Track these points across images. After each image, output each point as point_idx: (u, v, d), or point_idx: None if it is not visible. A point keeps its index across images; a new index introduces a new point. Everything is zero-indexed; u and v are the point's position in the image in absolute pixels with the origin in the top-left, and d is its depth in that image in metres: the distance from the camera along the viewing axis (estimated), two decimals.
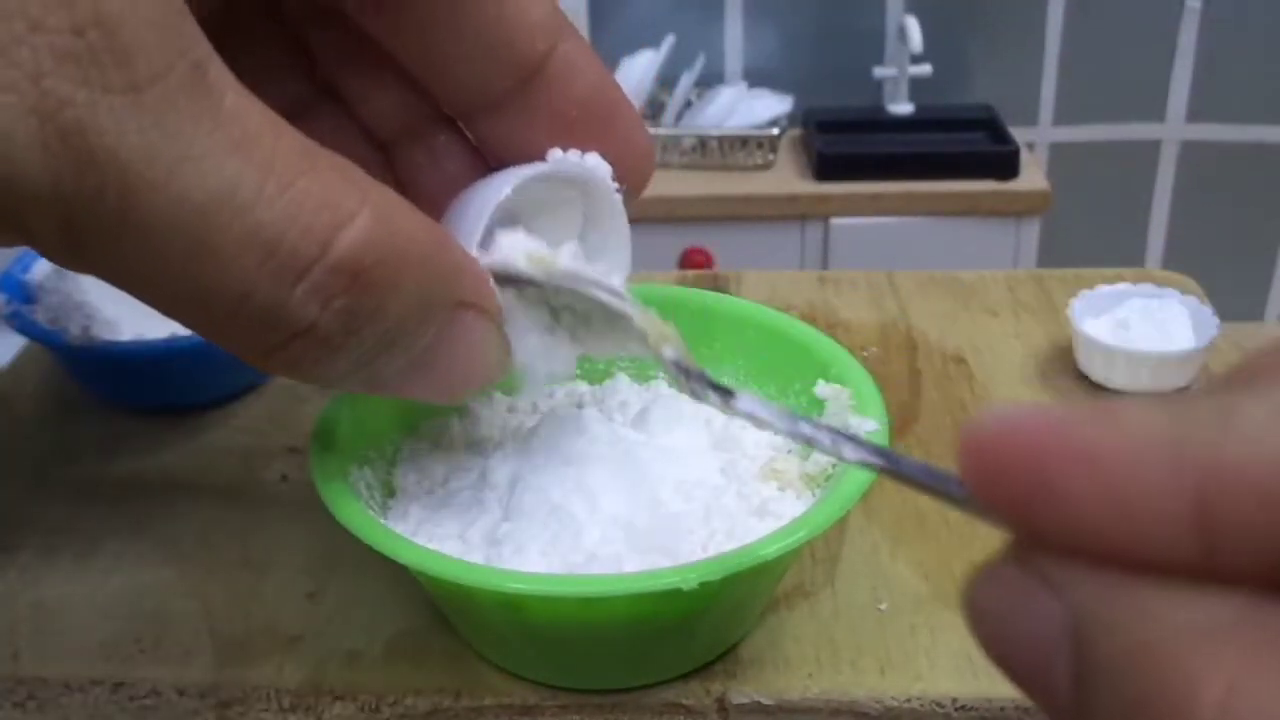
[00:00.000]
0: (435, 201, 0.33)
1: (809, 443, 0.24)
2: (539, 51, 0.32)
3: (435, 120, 0.35)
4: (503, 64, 0.32)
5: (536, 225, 0.34)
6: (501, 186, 0.32)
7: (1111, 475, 0.16)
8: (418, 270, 0.28)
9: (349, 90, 0.34)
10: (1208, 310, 0.50)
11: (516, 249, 0.32)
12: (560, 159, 0.33)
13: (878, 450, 0.22)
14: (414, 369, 0.30)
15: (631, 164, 0.34)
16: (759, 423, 0.26)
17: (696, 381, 0.28)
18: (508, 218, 0.33)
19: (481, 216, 0.32)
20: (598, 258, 0.35)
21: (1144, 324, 0.49)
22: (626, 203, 0.35)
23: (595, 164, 0.34)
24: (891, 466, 0.21)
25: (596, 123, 0.33)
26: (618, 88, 0.34)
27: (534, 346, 0.34)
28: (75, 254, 0.25)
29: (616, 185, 0.34)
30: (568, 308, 0.34)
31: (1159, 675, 0.15)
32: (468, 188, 0.34)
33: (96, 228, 0.24)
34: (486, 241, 0.32)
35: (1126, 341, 0.49)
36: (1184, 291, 0.51)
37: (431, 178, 0.35)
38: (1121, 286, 0.51)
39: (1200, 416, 0.16)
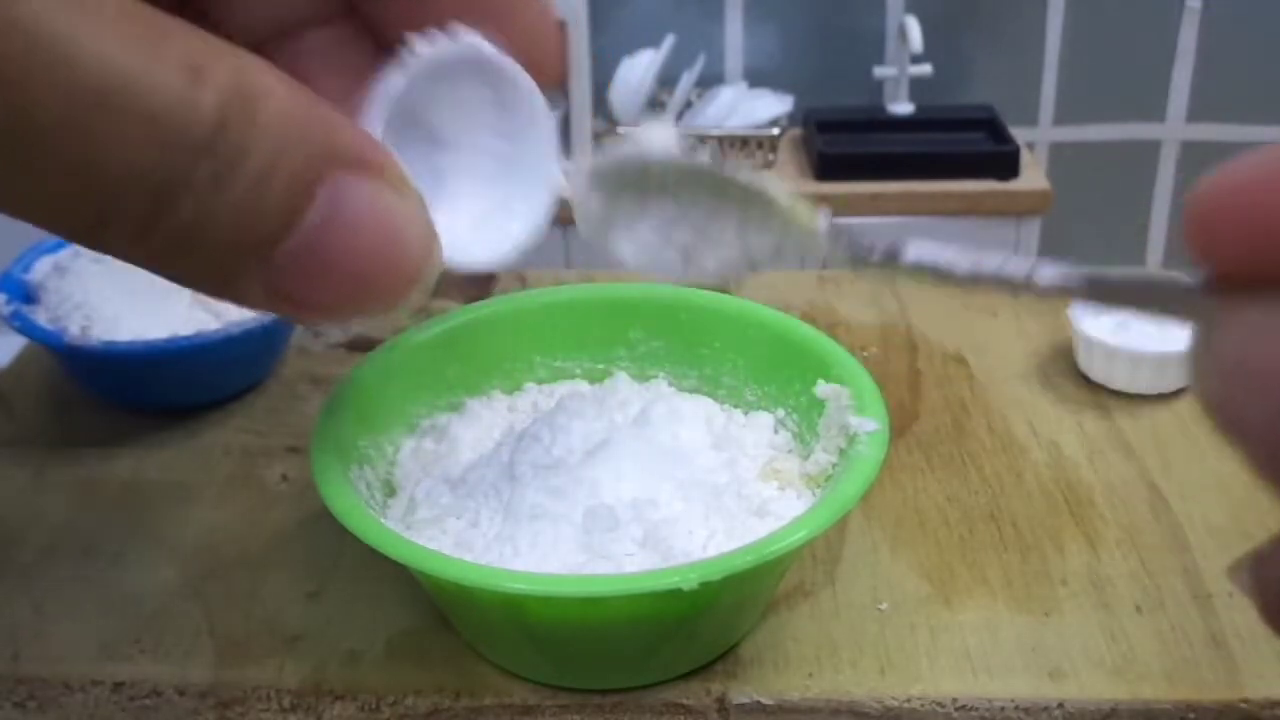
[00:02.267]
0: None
1: (996, 283, 0.23)
2: None
3: (309, 18, 0.32)
4: None
5: (444, 125, 0.31)
6: (392, 78, 0.29)
7: None
8: (276, 122, 0.26)
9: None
10: None
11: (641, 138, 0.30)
12: (459, 42, 0.30)
13: (1076, 272, 0.20)
14: (315, 262, 0.27)
15: (538, 52, 0.31)
16: (938, 273, 0.24)
17: (857, 247, 0.27)
18: (409, 118, 0.30)
19: (372, 108, 0.29)
20: (522, 168, 0.32)
21: (1144, 323, 0.49)
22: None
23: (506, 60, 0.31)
24: (1098, 286, 0.20)
25: (498, 3, 0.30)
26: None
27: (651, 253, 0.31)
28: None
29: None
30: (681, 218, 0.31)
31: None
32: (368, 86, 0.30)
33: None
34: (389, 139, 0.29)
35: (1127, 341, 0.49)
36: None
37: (321, 79, 0.31)
38: None
39: None
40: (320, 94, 0.28)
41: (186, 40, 0.25)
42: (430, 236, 0.29)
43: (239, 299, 0.28)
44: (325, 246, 0.27)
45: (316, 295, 0.28)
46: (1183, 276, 0.17)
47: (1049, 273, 0.21)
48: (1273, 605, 0.17)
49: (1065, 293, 0.20)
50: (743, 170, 0.29)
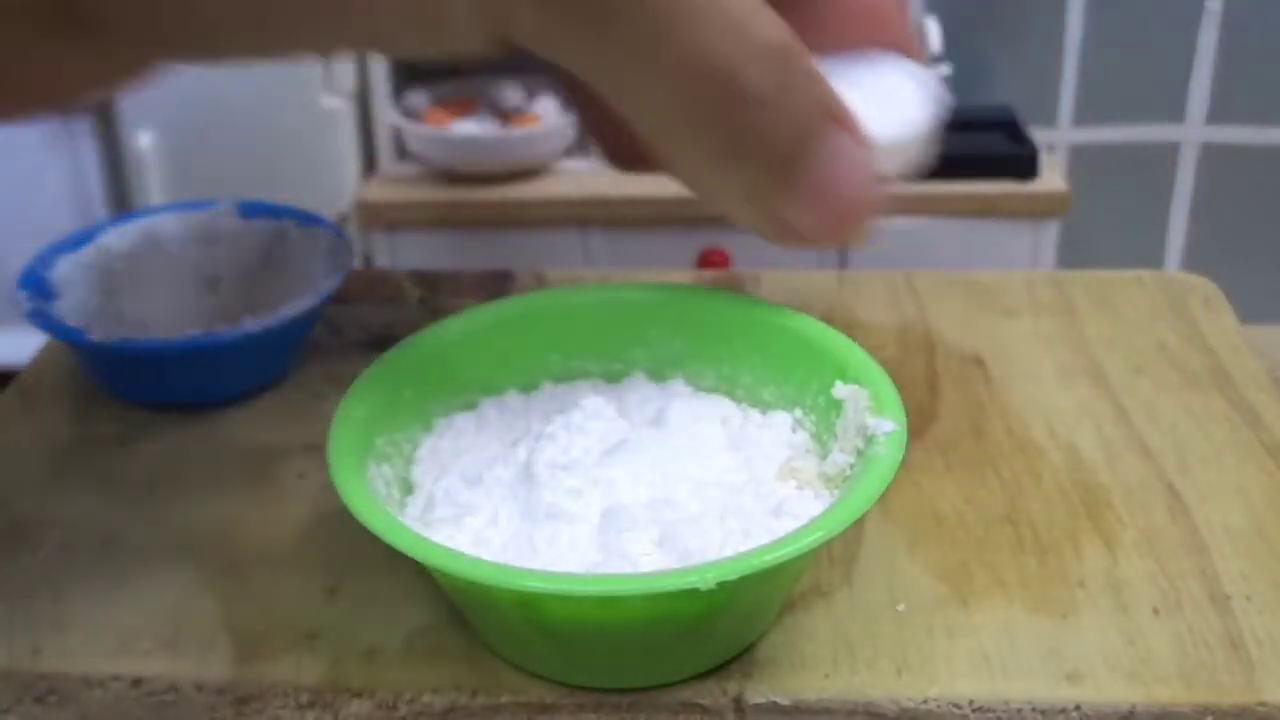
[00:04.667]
0: None
1: None
2: None
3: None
4: None
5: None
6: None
7: None
8: (809, 70, 0.33)
9: None
10: (931, 76, 0.46)
11: None
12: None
13: None
14: (816, 195, 0.34)
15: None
16: None
17: None
18: None
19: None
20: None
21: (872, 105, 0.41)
22: None
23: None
24: None
25: (875, 21, 0.39)
26: None
27: None
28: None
29: None
30: None
31: None
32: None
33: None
34: None
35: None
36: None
37: None
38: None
39: None
40: None
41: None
42: (875, 183, 0.37)
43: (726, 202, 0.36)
44: (828, 182, 0.34)
45: (806, 222, 0.35)
46: None
47: None
48: None
49: None
50: None
